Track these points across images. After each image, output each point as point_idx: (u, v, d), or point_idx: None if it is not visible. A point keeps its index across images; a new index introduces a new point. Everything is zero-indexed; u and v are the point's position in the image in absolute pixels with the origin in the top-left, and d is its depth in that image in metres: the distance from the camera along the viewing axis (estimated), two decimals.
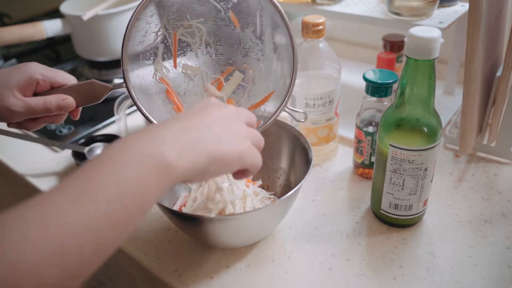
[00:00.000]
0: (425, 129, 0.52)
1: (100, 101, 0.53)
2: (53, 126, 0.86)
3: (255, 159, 0.41)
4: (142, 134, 0.35)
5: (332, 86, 0.65)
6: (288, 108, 0.56)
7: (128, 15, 0.52)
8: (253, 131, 0.42)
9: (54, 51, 1.23)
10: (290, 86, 0.54)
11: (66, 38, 1.12)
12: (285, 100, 0.55)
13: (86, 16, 0.95)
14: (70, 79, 0.53)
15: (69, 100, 0.51)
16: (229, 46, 0.55)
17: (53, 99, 0.50)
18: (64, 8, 1.02)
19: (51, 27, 0.99)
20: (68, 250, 0.28)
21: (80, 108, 0.55)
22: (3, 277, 0.26)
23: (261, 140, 0.43)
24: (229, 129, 0.39)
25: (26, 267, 0.26)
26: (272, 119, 0.56)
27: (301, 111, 0.57)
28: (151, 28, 0.53)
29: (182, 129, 0.36)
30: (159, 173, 0.33)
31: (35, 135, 0.84)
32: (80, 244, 0.29)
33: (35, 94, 0.52)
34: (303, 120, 0.57)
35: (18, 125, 0.53)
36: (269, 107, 0.57)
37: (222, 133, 0.38)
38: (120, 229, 0.31)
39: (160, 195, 0.34)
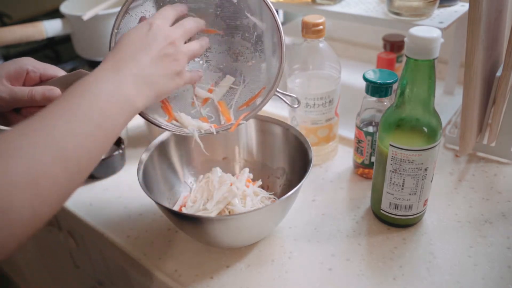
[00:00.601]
0: (425, 129, 0.52)
1: None
2: None
3: (191, 80, 0.52)
4: (111, 74, 0.43)
5: (332, 86, 0.65)
6: (279, 92, 0.56)
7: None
8: (188, 47, 0.50)
9: (54, 51, 1.23)
10: (279, 70, 0.54)
11: (66, 38, 1.12)
12: (275, 83, 0.54)
13: (86, 16, 0.95)
14: (61, 74, 0.53)
15: (55, 91, 0.51)
16: (219, 52, 0.55)
17: (39, 89, 0.50)
18: (64, 8, 1.02)
19: (51, 27, 0.99)
20: (69, 155, 0.37)
21: None
22: (25, 175, 0.33)
23: (196, 46, 0.51)
24: (170, 67, 0.47)
25: (41, 168, 0.35)
26: (263, 103, 0.55)
27: (293, 95, 0.57)
28: None
29: (138, 73, 0.44)
30: (125, 107, 0.43)
31: None
32: (78, 156, 0.38)
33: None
34: (295, 106, 0.57)
35: (3, 121, 0.52)
36: (261, 98, 0.57)
37: (166, 72, 0.47)
38: (102, 146, 0.41)
39: (127, 122, 0.44)
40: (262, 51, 0.55)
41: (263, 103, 0.55)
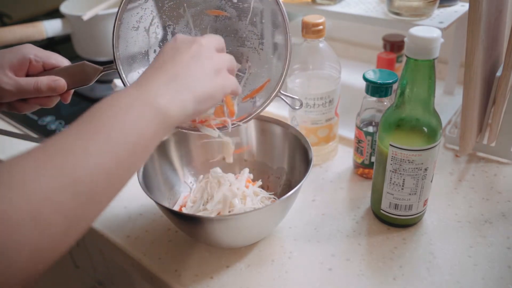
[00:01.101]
0: (425, 129, 0.52)
1: (91, 83, 0.53)
2: (53, 126, 0.86)
3: (233, 84, 0.46)
4: (133, 89, 0.39)
5: (332, 86, 0.65)
6: (282, 94, 0.56)
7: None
8: (225, 56, 0.46)
9: (54, 51, 1.22)
10: (283, 71, 0.54)
11: (66, 38, 1.12)
12: (280, 84, 0.54)
13: (86, 16, 0.95)
14: (63, 62, 0.53)
15: (60, 81, 0.51)
16: (226, 35, 0.54)
17: (44, 80, 0.50)
18: (64, 8, 1.02)
19: (51, 27, 0.99)
20: (78, 177, 0.32)
21: (72, 92, 0.54)
22: (25, 205, 0.29)
23: (233, 61, 0.47)
24: (205, 65, 0.43)
25: (43, 194, 0.30)
26: (267, 103, 0.55)
27: (296, 97, 0.57)
28: (146, 15, 0.53)
29: (165, 80, 0.40)
30: (156, 119, 0.37)
31: (35, 135, 0.84)
32: (92, 178, 0.32)
33: (28, 76, 0.52)
34: (297, 108, 0.57)
35: (9, 107, 0.53)
36: (263, 97, 0.56)
37: (200, 71, 0.42)
38: (126, 166, 0.35)
39: (159, 138, 0.38)
40: (271, 35, 0.54)
41: (266, 104, 0.55)
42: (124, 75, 0.54)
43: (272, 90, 0.55)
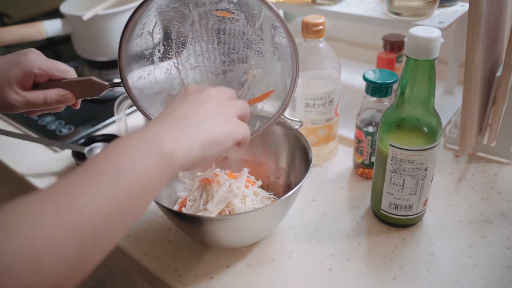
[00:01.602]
0: (425, 129, 0.52)
1: (98, 97, 0.55)
2: (53, 126, 0.86)
3: (244, 131, 0.45)
4: (141, 131, 0.38)
5: (332, 86, 0.65)
6: (285, 117, 0.57)
7: (128, 15, 0.52)
8: (236, 103, 0.46)
9: (54, 51, 1.23)
10: (291, 90, 0.54)
11: (66, 38, 1.12)
12: (285, 105, 0.54)
13: (86, 16, 0.95)
14: (68, 71, 0.54)
15: (68, 96, 0.53)
16: (232, 36, 0.54)
17: (53, 95, 0.52)
18: (64, 8, 1.02)
19: (51, 27, 0.99)
20: (81, 221, 0.31)
21: (80, 100, 0.56)
22: (24, 251, 0.28)
23: (245, 108, 0.46)
24: (213, 111, 0.42)
25: (45, 239, 0.29)
26: (269, 123, 0.55)
27: (297, 119, 0.58)
28: (150, 20, 0.53)
29: (172, 122, 0.40)
30: (160, 162, 0.36)
31: (35, 135, 0.84)
32: (93, 223, 0.31)
33: (35, 84, 0.53)
34: (297, 127, 0.59)
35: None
36: (267, 105, 0.56)
37: (208, 117, 0.41)
38: (128, 211, 0.34)
39: (163, 183, 0.37)
40: (276, 48, 0.54)
41: (271, 122, 0.55)
42: (134, 94, 0.55)
43: (278, 107, 0.55)
